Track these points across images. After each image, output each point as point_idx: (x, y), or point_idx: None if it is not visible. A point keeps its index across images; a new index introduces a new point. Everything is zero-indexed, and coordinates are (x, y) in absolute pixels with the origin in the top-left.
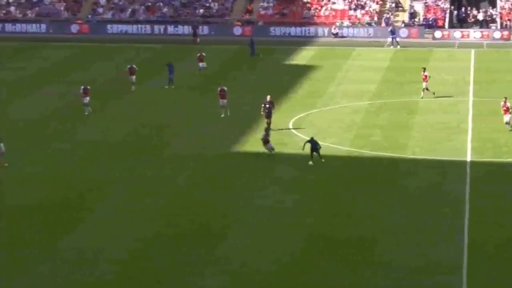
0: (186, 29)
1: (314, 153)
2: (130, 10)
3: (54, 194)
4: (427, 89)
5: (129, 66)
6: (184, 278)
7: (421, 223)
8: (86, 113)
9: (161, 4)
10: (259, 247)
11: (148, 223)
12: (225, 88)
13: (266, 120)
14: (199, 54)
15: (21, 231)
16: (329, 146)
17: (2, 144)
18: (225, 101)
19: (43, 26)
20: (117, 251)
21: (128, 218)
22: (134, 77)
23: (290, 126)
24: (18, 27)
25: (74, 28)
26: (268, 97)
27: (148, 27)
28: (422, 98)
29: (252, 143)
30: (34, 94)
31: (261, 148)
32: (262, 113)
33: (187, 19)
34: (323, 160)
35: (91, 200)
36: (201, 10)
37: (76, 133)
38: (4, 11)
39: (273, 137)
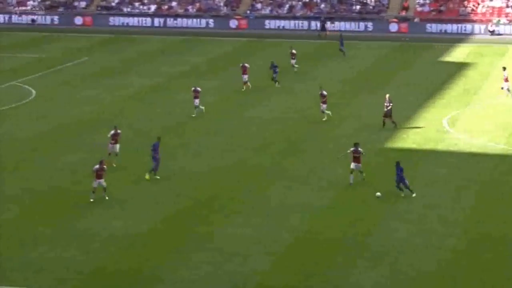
0: (343, 26)
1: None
2: (287, 6)
3: None
4: None
5: (193, 89)
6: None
7: None
8: (194, 115)
9: (319, 0)
10: (419, 245)
11: None
12: (325, 93)
13: (383, 119)
14: (291, 50)
15: (179, 224)
16: (483, 144)
17: (118, 145)
18: (325, 106)
19: (203, 21)
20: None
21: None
22: (197, 100)
23: (444, 124)
24: (180, 22)
25: (233, 23)
26: (387, 96)
27: (305, 23)
28: None
29: (405, 140)
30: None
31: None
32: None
33: (344, 16)
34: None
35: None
36: (358, 7)
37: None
38: (166, 7)
39: (425, 134)
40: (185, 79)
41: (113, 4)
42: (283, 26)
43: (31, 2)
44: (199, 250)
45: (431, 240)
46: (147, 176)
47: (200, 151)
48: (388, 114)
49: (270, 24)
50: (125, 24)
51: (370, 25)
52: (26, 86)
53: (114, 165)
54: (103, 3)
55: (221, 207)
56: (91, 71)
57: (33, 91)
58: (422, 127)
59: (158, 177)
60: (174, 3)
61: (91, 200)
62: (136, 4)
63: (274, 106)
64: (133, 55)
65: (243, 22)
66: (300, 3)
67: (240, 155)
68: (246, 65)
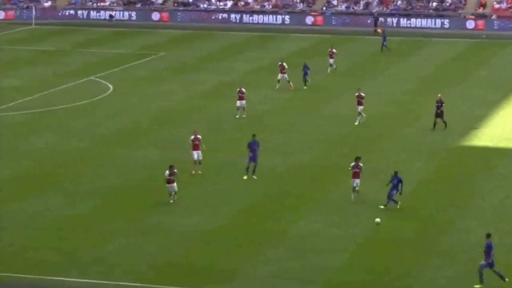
0: (419, 22)
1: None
2: (364, 2)
3: None
4: None
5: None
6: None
7: None
8: (237, 116)
9: None
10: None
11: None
12: (363, 94)
13: (435, 119)
14: (330, 50)
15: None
16: None
17: (199, 152)
18: (361, 107)
19: (279, 17)
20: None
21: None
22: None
23: None
24: (256, 18)
25: (309, 19)
26: (439, 96)
27: (381, 19)
28: None
29: (481, 138)
30: (268, 84)
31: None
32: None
33: (420, 12)
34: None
35: None
36: (434, 4)
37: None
38: (242, 3)
39: (502, 132)
40: (260, 75)
41: (190, 0)
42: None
43: None
44: (272, 246)
45: (507, 239)
46: (245, 177)
47: (275, 148)
48: (439, 115)
49: (345, 20)
50: (201, 20)
51: (446, 22)
52: (104, 81)
53: (193, 173)
54: None
55: (294, 204)
56: (167, 67)
57: (111, 86)
58: (498, 125)
59: (255, 177)
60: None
61: (171, 201)
62: (213, 0)
63: (347, 103)
64: (209, 51)
65: (319, 19)
66: (376, 0)
67: (315, 152)
68: (284, 64)
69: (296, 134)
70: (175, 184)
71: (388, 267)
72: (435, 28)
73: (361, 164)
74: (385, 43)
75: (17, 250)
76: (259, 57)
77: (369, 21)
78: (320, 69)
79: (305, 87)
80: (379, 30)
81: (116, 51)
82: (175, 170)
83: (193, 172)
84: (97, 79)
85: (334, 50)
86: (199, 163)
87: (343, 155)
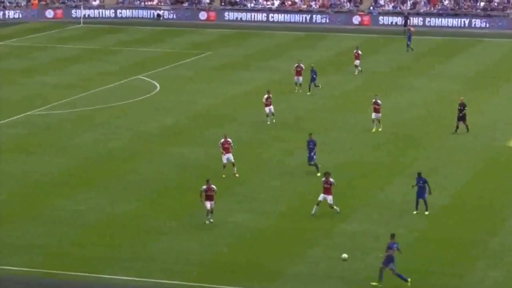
0: (465, 22)
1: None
2: (411, 1)
3: None
4: None
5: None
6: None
7: None
8: (268, 123)
9: None
10: None
11: None
12: (379, 101)
13: (457, 123)
14: (355, 51)
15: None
16: None
17: (229, 155)
18: (379, 115)
19: (326, 17)
20: None
21: None
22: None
23: None
24: (303, 17)
25: (356, 19)
26: (462, 99)
27: (429, 19)
28: None
29: None
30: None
31: None
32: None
33: (468, 12)
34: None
35: None
36: (482, 3)
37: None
38: (289, 2)
39: None
40: (306, 74)
41: None
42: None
43: None
44: (317, 245)
45: None
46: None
47: (321, 146)
48: (462, 118)
49: (392, 20)
50: (248, 19)
51: (494, 21)
52: (151, 80)
53: (224, 176)
54: None
55: (340, 203)
56: (214, 66)
57: (157, 85)
58: None
59: (319, 174)
60: None
61: (207, 222)
62: (260, 0)
63: (395, 102)
64: (256, 50)
65: (366, 18)
66: None
67: (361, 151)
68: (302, 65)
69: (342, 132)
70: (213, 202)
71: (434, 267)
72: (483, 28)
73: (331, 180)
74: (409, 43)
75: (64, 247)
76: (305, 56)
77: (400, 21)
78: (366, 69)
79: (308, 93)
80: (412, 29)
81: (163, 50)
82: (213, 186)
83: (224, 175)
84: (144, 78)
85: (359, 52)
86: (233, 165)
87: (390, 154)
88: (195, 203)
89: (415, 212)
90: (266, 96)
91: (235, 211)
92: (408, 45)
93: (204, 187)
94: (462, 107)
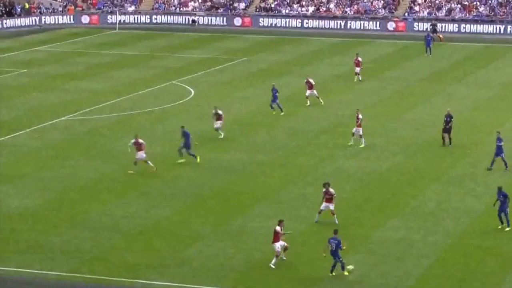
0: (500, 29)
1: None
2: (446, 8)
3: None
4: None
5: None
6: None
7: None
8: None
9: (478, 2)
10: None
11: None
12: (360, 116)
13: (442, 135)
14: (356, 58)
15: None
16: None
17: (141, 153)
18: (360, 129)
19: (361, 23)
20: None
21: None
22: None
23: None
24: (337, 23)
25: (390, 25)
26: (448, 110)
27: (466, 25)
28: None
29: None
30: (350, 90)
31: None
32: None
33: (504, 19)
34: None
35: None
36: None
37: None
38: (324, 8)
39: None
40: (343, 81)
41: (272, 5)
42: (440, 29)
43: (192, 3)
44: (353, 251)
45: None
46: None
47: (357, 153)
48: (447, 130)
49: (428, 26)
50: (283, 25)
51: None
52: (185, 86)
53: (131, 172)
54: (262, 4)
55: (375, 209)
56: (249, 72)
57: (192, 91)
58: None
59: None
60: (332, 5)
61: (272, 266)
62: (295, 6)
63: (431, 109)
64: (291, 56)
65: (401, 25)
66: (459, 6)
67: (396, 157)
68: (311, 80)
69: (377, 139)
70: (283, 243)
71: (469, 275)
72: None
73: (331, 190)
74: (430, 47)
75: (105, 253)
76: (341, 62)
77: (428, 28)
78: (402, 76)
79: (274, 113)
80: (441, 36)
81: (197, 56)
82: (277, 229)
83: (131, 172)
84: (179, 83)
85: (359, 59)
86: (146, 162)
87: (426, 161)
88: (231, 208)
89: (500, 227)
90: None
91: (270, 216)
92: (428, 48)
93: (278, 227)
94: (448, 119)
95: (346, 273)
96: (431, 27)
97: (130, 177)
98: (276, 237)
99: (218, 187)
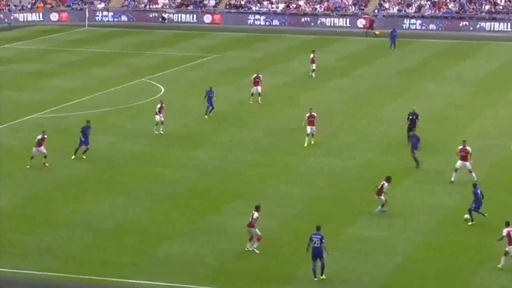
0: (471, 26)
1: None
2: (416, 5)
3: None
4: None
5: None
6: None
7: None
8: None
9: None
10: None
11: None
12: (315, 114)
13: (408, 133)
14: (312, 56)
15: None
16: None
17: (41, 148)
18: (314, 128)
19: (331, 20)
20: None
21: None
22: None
23: None
24: (307, 21)
25: (360, 22)
26: (414, 108)
27: (436, 22)
28: None
29: None
30: (321, 88)
31: None
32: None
33: (472, 15)
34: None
35: None
36: (487, 7)
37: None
38: (294, 5)
39: None
40: (313, 78)
41: (242, 2)
42: (410, 26)
43: (162, 0)
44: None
45: None
46: None
47: (332, 149)
48: (411, 128)
49: (395, 23)
50: (253, 22)
51: (499, 25)
52: (156, 83)
53: (28, 167)
54: (232, 1)
55: (347, 207)
56: (220, 69)
57: (162, 88)
58: None
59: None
60: (302, 2)
61: (248, 248)
62: (265, 3)
63: (402, 106)
64: (262, 53)
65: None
66: (428, 2)
67: (368, 154)
68: (260, 75)
69: (349, 136)
70: (253, 229)
71: (440, 271)
72: (488, 31)
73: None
74: (394, 42)
75: (76, 251)
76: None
77: (361, 24)
78: (373, 73)
79: (206, 116)
80: (376, 32)
81: (167, 53)
82: (256, 215)
83: (28, 166)
84: (149, 81)
85: (315, 56)
86: (45, 156)
87: (397, 158)
88: (207, 207)
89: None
90: (255, 75)
91: (244, 215)
92: (392, 44)
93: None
94: (414, 117)
95: (323, 277)
96: (369, 22)
97: (104, 175)
98: (252, 223)
99: (192, 185)
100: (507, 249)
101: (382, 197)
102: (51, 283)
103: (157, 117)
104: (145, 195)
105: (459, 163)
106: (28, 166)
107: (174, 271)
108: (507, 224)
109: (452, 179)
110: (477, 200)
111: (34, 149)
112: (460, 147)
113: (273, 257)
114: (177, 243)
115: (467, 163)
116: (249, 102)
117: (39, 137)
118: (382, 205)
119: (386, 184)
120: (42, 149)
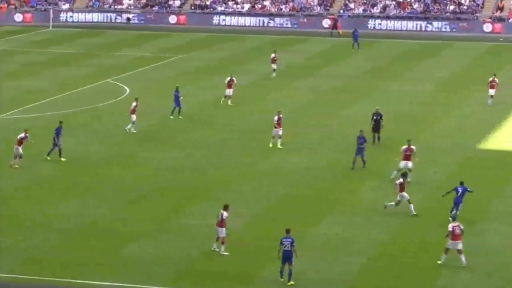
0: (436, 26)
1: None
2: (381, 5)
3: None
4: None
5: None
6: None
7: None
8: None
9: (412, 0)
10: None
11: None
12: (281, 116)
13: (373, 134)
14: (273, 55)
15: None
16: None
17: (20, 148)
18: (279, 129)
19: (296, 20)
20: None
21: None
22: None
23: None
24: (273, 21)
25: (326, 22)
26: (377, 109)
27: (401, 22)
28: None
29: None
30: (287, 87)
31: None
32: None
33: (437, 15)
34: None
35: None
36: (452, 7)
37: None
38: (260, 6)
39: None
40: (279, 78)
41: (207, 2)
42: (375, 26)
43: (126, 1)
44: None
45: None
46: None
47: (294, 149)
48: (376, 128)
49: (361, 23)
50: (219, 23)
51: (464, 25)
52: (120, 84)
53: (17, 166)
54: (198, 2)
55: (312, 206)
56: (185, 70)
57: (127, 89)
58: None
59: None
60: (267, 2)
61: (213, 249)
62: (230, 3)
63: (368, 105)
64: (226, 54)
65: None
66: (393, 2)
67: (334, 154)
68: (234, 78)
69: (314, 136)
70: (223, 229)
71: (405, 270)
72: (452, 31)
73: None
74: (357, 41)
75: (40, 253)
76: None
77: (327, 24)
78: (338, 73)
79: (171, 116)
80: (340, 32)
81: (133, 53)
82: (225, 215)
83: (17, 166)
84: (114, 82)
85: (274, 55)
86: (20, 157)
87: (368, 156)
88: (171, 207)
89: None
90: (229, 78)
91: (211, 215)
92: (354, 44)
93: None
94: (378, 117)
95: (292, 282)
96: (333, 22)
97: (67, 176)
98: (222, 222)
99: (157, 185)
100: (448, 244)
101: (404, 193)
102: (13, 285)
103: (133, 116)
104: (110, 195)
105: (402, 163)
106: (16, 166)
107: (140, 272)
108: (454, 220)
109: (392, 176)
110: (458, 199)
111: (15, 147)
112: (405, 147)
113: (238, 257)
114: (142, 243)
115: (410, 163)
116: (220, 103)
117: (22, 135)
118: (397, 203)
119: (402, 180)
120: (20, 149)
